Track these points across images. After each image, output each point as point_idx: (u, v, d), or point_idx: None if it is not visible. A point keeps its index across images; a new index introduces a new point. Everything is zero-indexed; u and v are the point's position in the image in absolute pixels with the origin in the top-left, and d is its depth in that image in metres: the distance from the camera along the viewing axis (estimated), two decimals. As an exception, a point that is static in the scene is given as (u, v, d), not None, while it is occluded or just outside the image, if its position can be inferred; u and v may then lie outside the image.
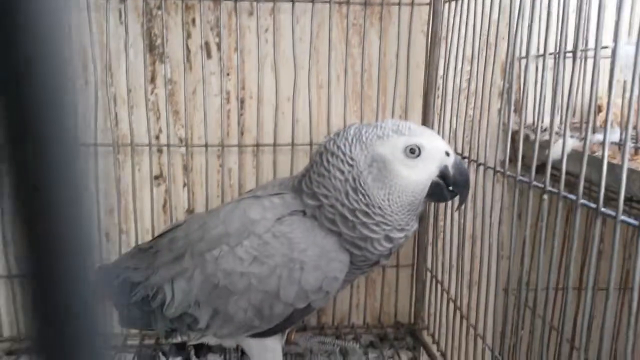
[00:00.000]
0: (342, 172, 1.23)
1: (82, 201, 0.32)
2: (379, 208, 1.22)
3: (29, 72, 0.30)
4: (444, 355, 1.61)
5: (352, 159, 1.23)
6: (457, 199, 1.30)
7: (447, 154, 1.23)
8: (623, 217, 0.79)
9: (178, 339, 1.54)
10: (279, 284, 1.23)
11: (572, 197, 0.92)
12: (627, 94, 1.03)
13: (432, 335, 1.72)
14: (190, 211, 1.69)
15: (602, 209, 0.83)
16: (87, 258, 0.33)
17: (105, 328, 0.34)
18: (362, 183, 1.22)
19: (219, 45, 1.62)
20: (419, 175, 1.22)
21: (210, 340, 1.44)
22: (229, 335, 1.33)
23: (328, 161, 1.25)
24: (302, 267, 1.22)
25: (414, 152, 1.20)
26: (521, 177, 1.12)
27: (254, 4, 1.59)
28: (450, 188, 1.25)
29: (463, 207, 1.43)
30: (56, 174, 0.31)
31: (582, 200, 0.89)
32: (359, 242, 1.25)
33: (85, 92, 0.31)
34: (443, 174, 1.23)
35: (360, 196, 1.22)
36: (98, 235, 0.33)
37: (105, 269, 1.51)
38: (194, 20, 1.61)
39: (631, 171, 1.05)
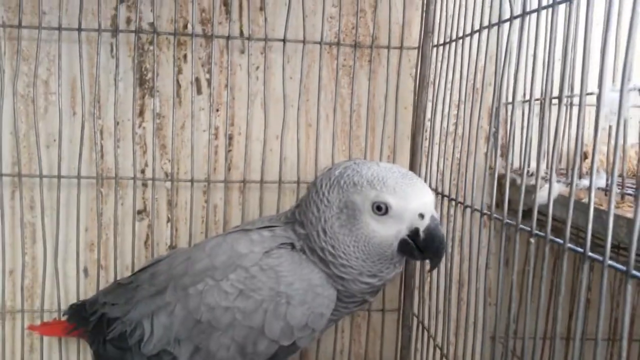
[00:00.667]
0: (318, 210, 1.24)
1: None
2: (343, 253, 1.22)
3: None
4: (429, 404, 1.55)
5: (328, 200, 1.23)
6: None
7: (422, 216, 1.19)
8: (610, 262, 0.77)
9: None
10: (264, 319, 1.20)
11: (560, 241, 0.91)
12: (613, 141, 1.04)
13: (418, 384, 1.66)
14: (172, 247, 1.65)
15: (590, 254, 0.81)
16: None
17: None
18: (330, 226, 1.22)
19: (209, 82, 1.63)
20: (385, 231, 1.20)
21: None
22: None
23: (312, 197, 1.27)
24: (289, 302, 1.20)
25: (380, 209, 1.18)
26: (508, 220, 1.11)
27: (246, 42, 1.61)
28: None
29: (450, 251, 1.42)
30: None
31: (569, 245, 0.88)
32: (337, 279, 1.24)
33: None
34: (414, 235, 1.20)
35: (328, 237, 1.23)
36: None
37: (82, 305, 1.46)
38: (185, 56, 1.62)
39: (617, 217, 1.05)
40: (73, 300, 1.58)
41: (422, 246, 1.19)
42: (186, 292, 1.25)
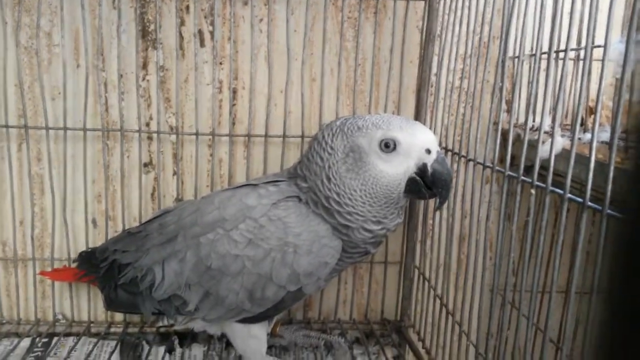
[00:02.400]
0: (322, 159, 1.26)
1: None
2: (349, 199, 1.24)
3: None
4: (429, 352, 1.61)
5: (331, 148, 1.25)
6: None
7: (429, 151, 1.22)
8: (609, 211, 0.78)
9: (165, 322, 1.53)
10: (272, 267, 1.24)
11: (560, 191, 0.92)
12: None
13: (418, 333, 1.71)
14: (179, 200, 1.68)
15: (589, 203, 0.82)
16: None
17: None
18: (335, 172, 1.24)
19: (212, 34, 1.61)
20: (394, 170, 1.22)
21: (196, 324, 1.44)
22: (218, 319, 1.33)
23: (314, 149, 1.29)
24: (296, 251, 1.24)
25: (388, 146, 1.21)
26: (510, 173, 1.12)
27: (249, -7, 1.58)
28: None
29: (452, 206, 1.43)
30: None
31: (569, 195, 0.89)
32: (341, 229, 1.27)
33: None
34: (422, 172, 1.23)
35: (333, 185, 1.25)
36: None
37: (91, 253, 1.50)
38: (187, 8, 1.60)
39: (620, 170, 1.05)
40: (82, 249, 1.62)
41: (430, 181, 1.22)
42: (197, 241, 1.29)
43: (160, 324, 1.61)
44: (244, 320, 1.34)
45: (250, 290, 1.26)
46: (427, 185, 1.23)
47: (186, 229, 1.31)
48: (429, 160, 1.22)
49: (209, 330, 1.47)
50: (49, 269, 1.64)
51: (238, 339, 1.40)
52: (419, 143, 1.21)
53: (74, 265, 1.57)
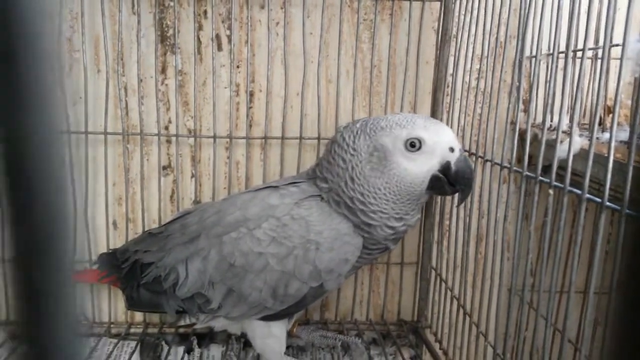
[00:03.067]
0: (344, 161, 1.28)
1: (58, 191, 0.33)
2: (374, 197, 1.26)
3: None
4: (446, 353, 1.61)
5: (354, 149, 1.27)
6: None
7: (452, 149, 1.25)
8: (628, 211, 0.78)
9: (187, 321, 1.55)
10: (295, 264, 1.26)
11: (578, 191, 0.92)
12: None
13: (435, 334, 1.71)
14: (197, 202, 1.70)
15: (607, 203, 0.82)
16: (62, 244, 0.34)
17: (78, 310, 0.35)
18: (359, 172, 1.26)
19: (229, 38, 1.63)
20: (418, 168, 1.24)
21: (217, 323, 1.45)
22: (240, 316, 1.35)
23: (335, 151, 1.31)
24: (318, 248, 1.27)
25: (414, 145, 1.23)
26: (528, 173, 1.12)
27: (266, -4, 1.60)
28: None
29: (469, 206, 1.43)
30: (35, 164, 0.31)
31: (587, 195, 0.89)
32: (363, 226, 1.29)
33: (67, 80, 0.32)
34: (445, 169, 1.25)
35: (357, 185, 1.27)
36: (74, 224, 0.34)
37: (112, 254, 1.53)
38: (205, 12, 1.62)
39: (638, 170, 1.04)
40: (103, 251, 1.64)
41: (453, 178, 1.25)
42: (220, 240, 1.31)
43: (182, 322, 1.63)
44: (265, 318, 1.36)
45: (274, 287, 1.28)
46: (449, 182, 1.25)
47: (209, 229, 1.34)
48: (453, 158, 1.25)
49: (229, 329, 1.49)
50: (71, 271, 1.67)
51: (258, 337, 1.42)
52: (444, 142, 1.24)
53: (95, 267, 1.60)
